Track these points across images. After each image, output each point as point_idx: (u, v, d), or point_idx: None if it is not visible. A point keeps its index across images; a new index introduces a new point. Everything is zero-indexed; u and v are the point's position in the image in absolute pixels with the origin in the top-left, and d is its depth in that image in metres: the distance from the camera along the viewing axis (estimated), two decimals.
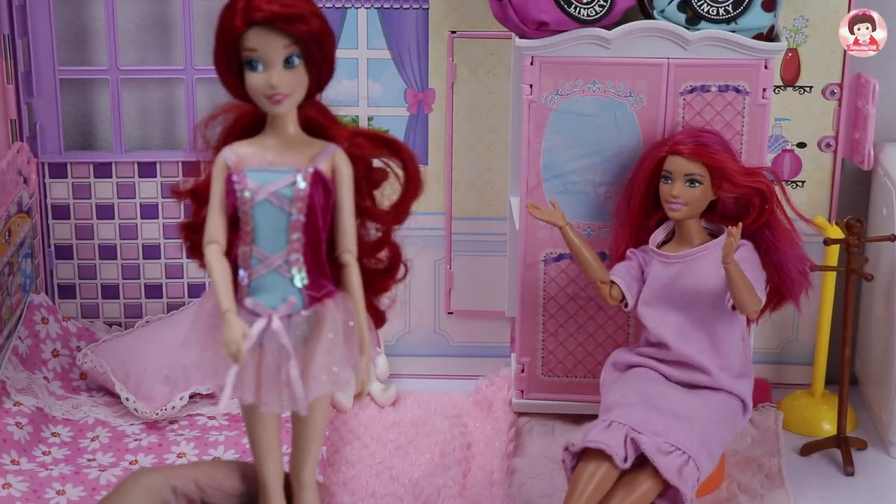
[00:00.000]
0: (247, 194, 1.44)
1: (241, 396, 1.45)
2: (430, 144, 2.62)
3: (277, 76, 1.42)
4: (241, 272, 1.47)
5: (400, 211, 1.54)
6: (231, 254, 1.47)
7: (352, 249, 1.49)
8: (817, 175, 2.58)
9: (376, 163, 1.52)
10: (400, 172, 1.54)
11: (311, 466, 1.53)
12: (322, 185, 1.46)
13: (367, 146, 1.51)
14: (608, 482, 2.11)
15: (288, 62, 1.42)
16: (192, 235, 1.53)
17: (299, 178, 1.45)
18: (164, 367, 2.47)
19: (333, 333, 1.46)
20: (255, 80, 1.43)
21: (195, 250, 1.54)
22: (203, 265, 1.54)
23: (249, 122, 1.50)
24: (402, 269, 1.57)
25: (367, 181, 1.52)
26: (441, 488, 2.29)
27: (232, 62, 1.44)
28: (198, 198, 1.52)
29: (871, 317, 2.56)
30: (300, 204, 1.45)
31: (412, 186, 1.53)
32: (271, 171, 1.45)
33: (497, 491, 2.29)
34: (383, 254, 1.55)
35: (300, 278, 1.46)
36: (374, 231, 1.54)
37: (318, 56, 1.44)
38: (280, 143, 1.46)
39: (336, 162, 1.46)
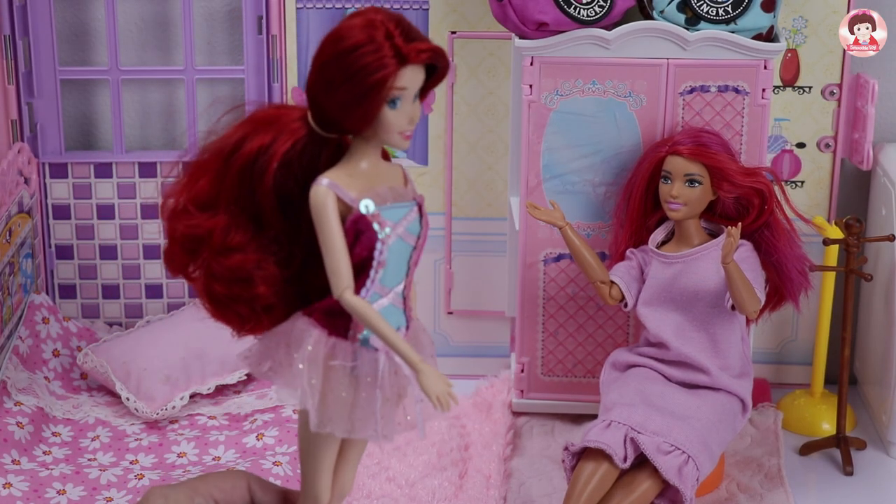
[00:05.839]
0: (387, 232, 1.40)
1: (370, 436, 1.42)
2: (430, 144, 2.62)
3: (414, 111, 1.40)
4: (353, 324, 1.42)
5: None
6: (313, 287, 1.43)
7: None
8: (816, 175, 2.58)
9: None
10: None
11: (354, 478, 1.53)
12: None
13: None
14: (608, 482, 2.11)
15: (415, 97, 1.41)
16: (189, 245, 1.43)
17: (421, 211, 1.44)
18: (165, 366, 2.47)
19: (431, 352, 1.46)
20: (395, 117, 1.39)
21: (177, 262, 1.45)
22: (190, 278, 1.45)
23: (300, 148, 1.43)
24: None
25: None
26: (436, 489, 2.29)
27: (380, 99, 1.38)
28: (200, 204, 1.43)
29: (871, 317, 2.56)
30: (423, 236, 1.44)
31: None
32: (397, 206, 1.42)
33: (493, 493, 2.29)
34: None
35: (408, 305, 1.44)
36: None
37: (436, 83, 1.43)
38: (376, 172, 1.42)
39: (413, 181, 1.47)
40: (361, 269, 1.40)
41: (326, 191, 1.38)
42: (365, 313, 1.39)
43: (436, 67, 1.42)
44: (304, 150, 1.42)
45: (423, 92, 1.43)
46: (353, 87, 1.36)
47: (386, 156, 1.48)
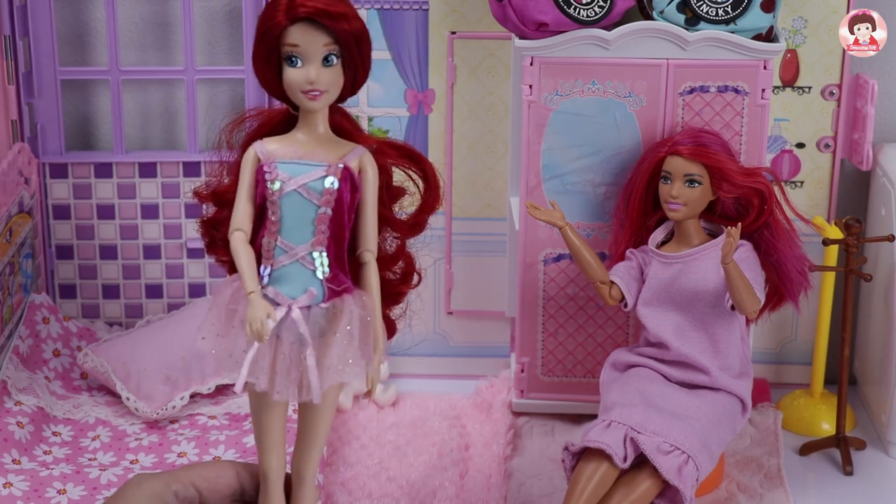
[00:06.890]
0: (276, 184, 1.48)
1: (255, 382, 1.47)
2: (430, 144, 2.62)
3: (316, 72, 1.47)
4: (263, 264, 1.49)
5: (418, 222, 1.59)
6: (255, 244, 1.50)
7: (372, 249, 1.52)
8: (816, 175, 2.58)
9: (396, 180, 1.56)
10: (420, 184, 1.58)
11: (314, 462, 1.55)
12: (350, 183, 1.50)
13: (391, 154, 1.55)
14: (608, 482, 2.11)
15: (326, 60, 1.47)
16: (212, 231, 1.56)
17: (330, 172, 1.49)
18: (165, 366, 2.47)
19: (351, 326, 1.48)
20: (293, 75, 1.47)
21: (213, 247, 1.57)
22: (220, 261, 1.57)
23: (277, 125, 1.54)
24: (415, 278, 1.61)
25: (387, 192, 1.55)
26: (437, 489, 2.29)
27: (272, 58, 1.48)
28: (220, 200, 1.55)
29: (870, 317, 2.56)
30: (328, 198, 1.49)
31: (432, 199, 1.58)
32: (301, 163, 1.49)
33: (493, 493, 2.30)
34: (398, 264, 1.58)
35: (322, 271, 1.48)
36: (390, 240, 1.56)
37: (356, 56, 1.49)
38: (310, 140, 1.51)
39: (363, 162, 1.50)
40: (262, 216, 1.50)
41: (251, 149, 1.51)
42: (235, 251, 1.49)
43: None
44: (285, 129, 1.54)
45: (350, 62, 1.49)
46: (256, 48, 1.49)
47: (353, 136, 1.53)
